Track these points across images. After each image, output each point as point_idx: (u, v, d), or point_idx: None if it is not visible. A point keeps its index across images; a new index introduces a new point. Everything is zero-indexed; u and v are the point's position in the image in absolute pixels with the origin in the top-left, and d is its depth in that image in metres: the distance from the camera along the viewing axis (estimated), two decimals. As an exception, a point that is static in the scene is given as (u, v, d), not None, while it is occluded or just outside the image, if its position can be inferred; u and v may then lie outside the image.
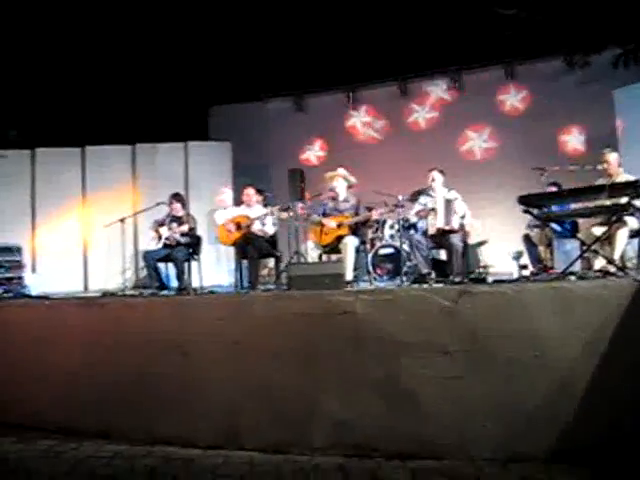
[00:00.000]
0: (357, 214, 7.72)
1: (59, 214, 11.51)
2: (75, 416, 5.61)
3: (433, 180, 7.69)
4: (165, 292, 7.76)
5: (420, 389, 4.60)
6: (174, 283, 8.53)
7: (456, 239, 7.17)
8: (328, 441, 4.75)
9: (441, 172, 7.76)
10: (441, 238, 7.31)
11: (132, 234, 10.56)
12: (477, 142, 12.10)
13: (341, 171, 8.06)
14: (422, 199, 7.77)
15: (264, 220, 8.13)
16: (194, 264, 8.49)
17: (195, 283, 8.48)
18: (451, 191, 7.67)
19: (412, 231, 8.11)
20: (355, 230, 7.65)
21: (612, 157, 6.81)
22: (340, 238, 7.51)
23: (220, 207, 10.27)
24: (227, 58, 12.47)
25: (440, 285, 5.73)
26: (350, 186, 8.04)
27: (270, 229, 8.19)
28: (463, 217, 7.48)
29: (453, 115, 12.23)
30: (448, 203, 7.40)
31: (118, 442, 5.25)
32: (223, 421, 5.09)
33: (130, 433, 5.31)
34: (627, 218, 5.98)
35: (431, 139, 12.09)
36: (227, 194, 11.89)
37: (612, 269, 5.54)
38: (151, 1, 11.67)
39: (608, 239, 6.03)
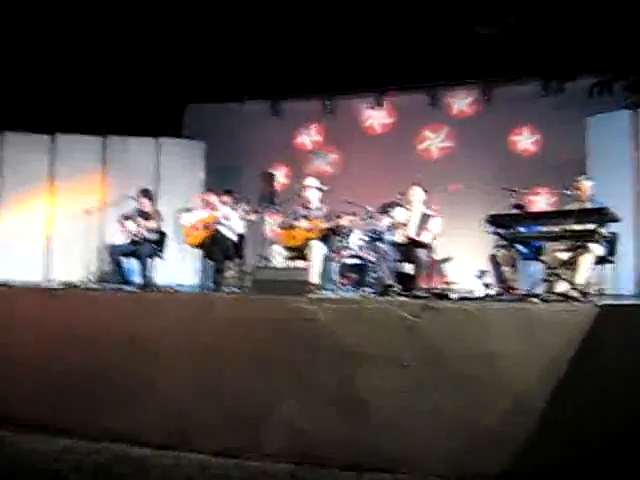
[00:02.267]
0: (327, 221, 7.71)
1: (24, 200, 11.34)
2: (25, 407, 5.52)
3: (413, 195, 7.66)
4: (128, 287, 7.70)
5: (376, 401, 4.60)
6: (138, 279, 8.44)
7: (423, 253, 7.19)
8: (280, 447, 4.72)
9: (424, 190, 7.74)
10: (407, 250, 7.32)
11: (98, 227, 10.42)
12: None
13: (312, 182, 8.03)
14: (395, 212, 7.75)
15: (230, 222, 8.06)
16: (159, 261, 8.41)
17: (159, 280, 8.40)
18: (428, 210, 7.69)
19: (379, 243, 8.13)
20: (324, 237, 7.63)
21: (586, 184, 6.87)
22: (307, 241, 7.49)
23: (192, 207, 10.22)
24: (207, 56, 12.38)
25: (404, 299, 5.74)
26: (322, 193, 8.02)
27: (239, 228, 8.13)
28: (435, 238, 7.50)
29: (425, 130, 12.32)
30: (424, 217, 7.43)
31: (67, 437, 5.17)
32: (175, 421, 5.05)
33: (81, 428, 5.24)
34: (592, 245, 6.04)
35: (404, 154, 12.14)
36: (198, 193, 11.83)
37: (574, 293, 5.59)
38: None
39: (572, 264, 6.08)
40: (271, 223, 8.31)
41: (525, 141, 11.67)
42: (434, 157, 12.27)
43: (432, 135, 12.36)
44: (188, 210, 8.91)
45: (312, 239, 7.51)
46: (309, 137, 13.16)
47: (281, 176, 9.27)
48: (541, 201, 10.97)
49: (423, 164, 12.03)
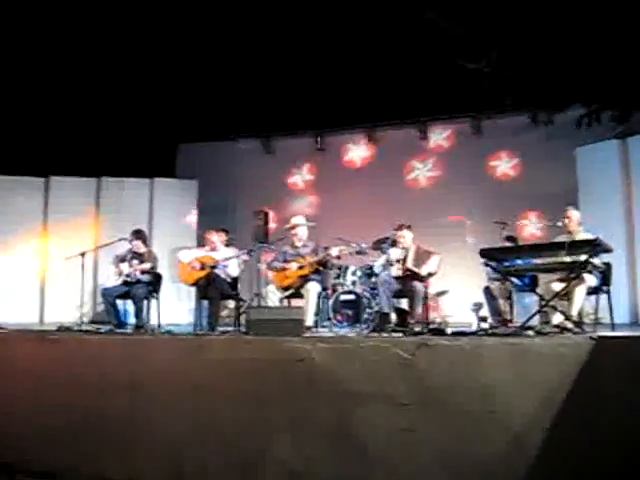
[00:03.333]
0: (316, 254, 7.72)
1: (17, 243, 11.34)
2: (20, 454, 5.47)
3: (403, 237, 7.71)
4: (122, 329, 7.68)
5: (372, 439, 4.57)
6: (132, 320, 8.41)
7: (419, 285, 7.21)
8: (277, 488, 4.69)
9: (408, 228, 7.79)
10: (404, 283, 7.34)
11: (92, 268, 10.40)
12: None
13: (300, 220, 8.05)
14: (390, 252, 7.76)
15: (228, 262, 8.06)
16: (154, 301, 8.39)
17: (154, 320, 8.37)
18: (421, 247, 7.72)
19: (374, 278, 8.14)
20: (317, 272, 7.63)
21: (574, 214, 6.91)
22: (302, 277, 7.49)
23: (184, 244, 10.22)
24: (198, 96, 12.49)
25: (399, 335, 5.74)
26: (310, 230, 8.05)
27: (234, 272, 8.13)
28: (433, 274, 7.53)
29: (416, 163, 12.44)
30: (418, 249, 7.47)
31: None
32: (172, 464, 5.01)
33: (76, 472, 5.19)
34: (585, 275, 6.05)
35: (397, 188, 12.21)
36: (191, 232, 11.85)
37: (569, 325, 5.59)
38: (125, 35, 11.69)
39: (566, 295, 6.09)
40: (265, 262, 8.31)
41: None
42: (427, 190, 12.30)
43: (420, 165, 12.46)
44: (186, 248, 8.93)
45: (305, 275, 7.50)
46: (301, 177, 13.21)
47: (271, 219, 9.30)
48: (530, 225, 11.09)
49: (413, 197, 12.09)
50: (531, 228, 11.07)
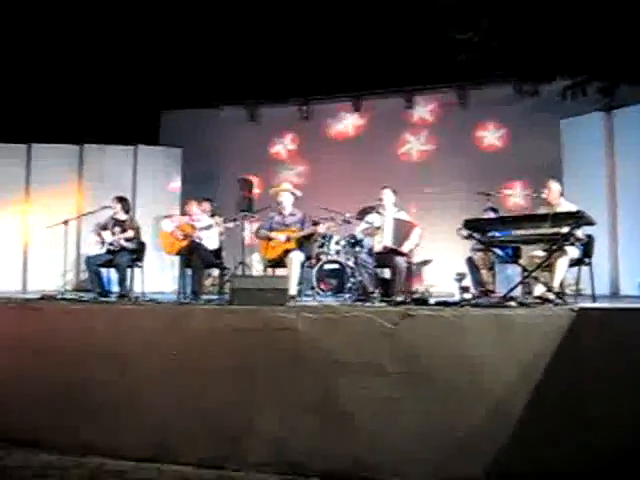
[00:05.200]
0: (303, 228, 7.71)
1: (0, 209, 11.25)
2: (4, 423, 5.47)
3: (381, 199, 7.70)
4: (106, 298, 7.67)
5: (357, 409, 4.62)
6: (116, 288, 8.39)
7: (401, 260, 7.21)
8: (263, 458, 4.73)
9: (393, 191, 7.78)
10: (386, 257, 7.34)
11: (75, 236, 10.33)
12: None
13: (286, 186, 8.04)
14: (370, 217, 7.78)
15: (209, 232, 8.02)
16: (137, 269, 8.37)
17: (137, 289, 8.36)
18: (400, 212, 7.71)
19: (358, 248, 8.16)
20: (301, 245, 7.64)
21: (555, 186, 6.94)
22: (287, 252, 7.48)
23: (167, 212, 10.17)
24: (182, 63, 12.36)
25: (383, 305, 5.77)
26: (296, 199, 8.02)
27: (213, 243, 8.06)
28: (416, 246, 7.53)
29: (403, 133, 12.43)
30: (397, 222, 7.43)
31: (49, 452, 5.14)
32: (157, 434, 5.04)
33: (62, 443, 5.21)
34: (567, 247, 6.08)
35: (382, 158, 12.18)
36: (175, 200, 11.81)
37: (551, 296, 5.65)
38: (108, 1, 11.53)
39: (548, 266, 6.13)
40: (250, 230, 8.29)
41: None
42: (413, 160, 12.31)
43: (411, 138, 12.42)
44: (168, 216, 8.88)
45: (290, 249, 7.50)
46: (284, 146, 13.15)
47: (255, 186, 9.26)
48: (515, 195, 11.16)
49: (399, 167, 12.08)
50: (516, 198, 11.17)
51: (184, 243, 7.89)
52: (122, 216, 8.37)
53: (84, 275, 10.00)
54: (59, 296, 7.17)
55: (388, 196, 7.70)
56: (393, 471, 4.49)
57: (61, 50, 11.82)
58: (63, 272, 9.48)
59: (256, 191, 9.73)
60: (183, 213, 9.18)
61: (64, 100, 12.05)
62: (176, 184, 12.01)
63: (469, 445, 4.42)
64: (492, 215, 7.72)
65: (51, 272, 10.41)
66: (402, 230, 7.39)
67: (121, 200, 8.50)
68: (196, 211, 8.30)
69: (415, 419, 4.52)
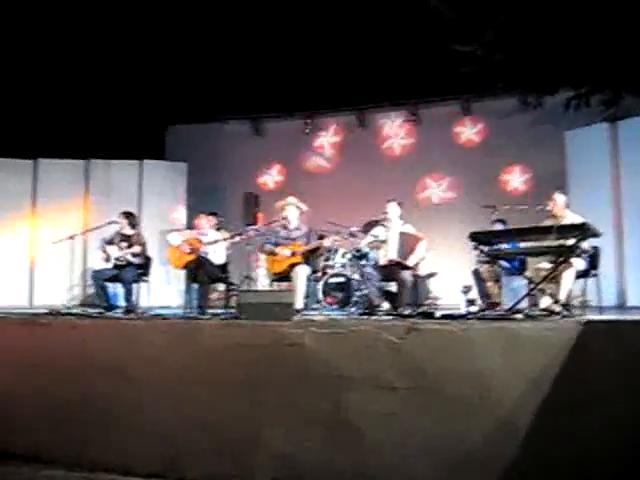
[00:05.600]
0: (309, 242, 7.72)
1: (6, 226, 11.30)
2: (11, 439, 5.47)
3: (386, 212, 7.69)
4: (112, 312, 7.68)
5: (364, 424, 4.61)
6: (122, 303, 8.39)
7: (407, 274, 7.20)
8: (270, 474, 4.72)
9: (398, 204, 7.78)
10: (391, 270, 7.33)
11: (81, 251, 10.34)
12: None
13: (292, 200, 8.05)
14: (375, 230, 7.78)
15: (215, 246, 8.02)
16: (143, 284, 8.38)
17: (143, 303, 8.37)
18: (406, 225, 7.71)
19: (363, 261, 8.16)
20: (307, 258, 7.64)
21: (559, 199, 6.93)
22: (292, 266, 7.49)
23: (173, 227, 10.20)
24: (187, 78, 12.43)
25: (389, 318, 5.77)
26: (301, 214, 8.04)
27: (220, 258, 8.06)
28: (422, 259, 7.53)
29: (408, 149, 12.47)
30: (402, 236, 7.43)
31: (55, 467, 5.13)
32: (163, 449, 5.03)
33: (68, 458, 5.20)
34: (573, 259, 6.08)
35: (388, 171, 12.22)
36: (180, 214, 11.85)
37: (557, 308, 5.64)
38: (112, 17, 11.61)
39: (555, 278, 6.12)
40: (254, 245, 8.30)
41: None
42: (419, 172, 12.35)
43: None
44: (175, 231, 8.90)
45: (296, 263, 7.50)
46: (290, 159, 13.21)
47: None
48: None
49: (404, 181, 12.09)
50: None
51: (191, 257, 7.90)
52: (129, 231, 8.39)
53: (90, 290, 9.99)
54: (65, 311, 7.18)
55: (393, 209, 7.70)
56: (401, 485, 4.48)
57: (67, 66, 11.91)
58: (69, 287, 9.50)
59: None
60: (190, 227, 9.20)
61: (70, 115, 12.13)
62: (182, 198, 12.03)
63: (477, 459, 4.39)
64: (500, 227, 7.73)
65: (57, 287, 10.42)
66: (407, 243, 7.39)
67: (128, 215, 8.53)
68: (205, 225, 8.31)
69: (422, 433, 4.50)
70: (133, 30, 11.73)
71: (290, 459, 4.70)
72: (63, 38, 11.65)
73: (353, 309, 7.81)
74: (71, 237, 8.11)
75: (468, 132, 12.11)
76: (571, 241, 5.64)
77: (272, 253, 7.66)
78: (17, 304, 10.33)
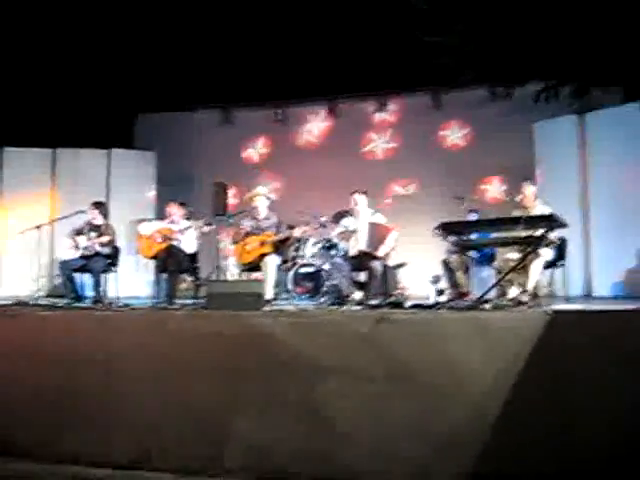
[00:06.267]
0: (279, 232, 7.71)
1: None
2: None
3: (356, 203, 7.70)
4: (80, 303, 7.60)
5: (338, 413, 4.62)
6: (90, 293, 8.31)
7: (377, 263, 7.22)
8: (244, 464, 4.71)
9: (364, 193, 7.78)
10: (361, 260, 7.34)
11: (49, 241, 10.21)
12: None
13: (261, 189, 8.02)
14: (345, 221, 7.79)
15: (186, 236, 7.98)
16: (111, 274, 8.31)
17: (112, 293, 8.30)
18: (376, 214, 7.73)
19: (333, 252, 8.16)
20: (277, 248, 7.64)
21: (529, 190, 6.99)
22: (262, 256, 7.48)
23: (144, 218, 10.11)
24: (156, 66, 12.30)
25: (359, 308, 5.79)
26: (271, 203, 8.02)
27: (191, 247, 8.03)
28: (392, 249, 7.54)
29: (376, 135, 12.49)
30: (372, 226, 7.45)
31: (26, 460, 5.06)
32: (135, 441, 4.99)
33: (41, 451, 5.13)
34: (541, 250, 6.15)
35: (357, 161, 12.26)
36: (150, 203, 11.76)
37: (525, 298, 5.70)
38: (81, 4, 11.45)
39: (523, 269, 6.19)
40: (225, 241, 8.26)
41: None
42: (388, 162, 12.37)
43: (377, 137, 12.60)
44: (144, 220, 8.82)
45: (266, 253, 7.49)
46: (258, 149, 13.15)
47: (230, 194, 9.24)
48: (492, 190, 11.47)
49: (373, 170, 12.15)
50: (494, 193, 11.44)
51: (161, 246, 7.85)
52: (99, 221, 8.29)
53: (57, 280, 9.90)
54: (32, 302, 7.09)
55: (360, 200, 7.70)
56: (376, 474, 4.49)
57: (34, 52, 11.72)
58: (36, 277, 9.37)
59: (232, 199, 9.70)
60: (159, 217, 9.13)
61: (37, 103, 11.94)
62: (151, 188, 11.94)
63: (451, 446, 4.43)
64: (475, 217, 7.78)
65: (24, 277, 10.29)
66: (377, 234, 7.39)
67: (99, 205, 8.43)
68: (175, 212, 8.26)
69: (395, 422, 4.52)
70: (102, 17, 11.59)
71: (264, 449, 4.69)
72: (29, 24, 11.47)
73: (323, 299, 7.80)
74: (38, 227, 7.99)
75: (439, 124, 12.16)
76: (539, 232, 5.70)
77: (243, 242, 7.62)
78: (-17, 295, 10.20)
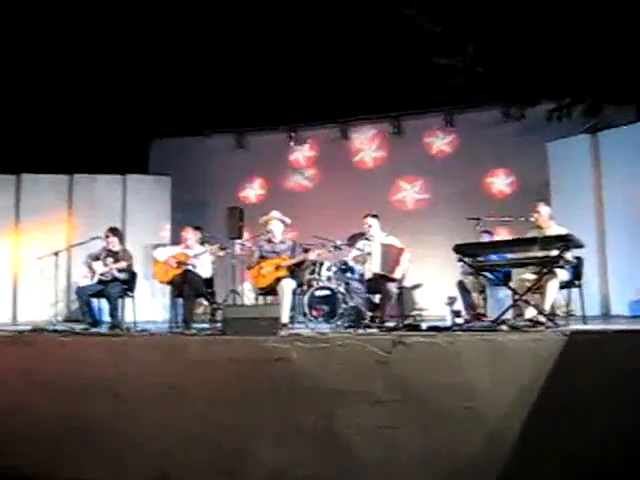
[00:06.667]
0: (294, 255, 7.74)
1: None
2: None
3: (370, 226, 7.73)
4: (97, 328, 7.64)
5: (353, 438, 4.62)
6: (107, 318, 8.35)
7: (392, 285, 7.24)
8: (260, 488, 4.71)
9: (374, 217, 7.81)
10: (377, 283, 7.36)
11: (65, 267, 10.28)
12: (410, 193, 12.41)
13: (275, 214, 8.05)
14: (360, 244, 7.80)
15: (201, 260, 8.01)
16: (128, 299, 8.34)
17: (128, 318, 8.33)
18: (389, 237, 7.75)
19: (349, 274, 8.17)
20: (292, 271, 7.65)
21: (544, 210, 6.99)
22: (278, 280, 7.49)
23: (160, 243, 10.17)
24: (170, 92, 12.41)
25: (375, 331, 5.78)
26: (286, 227, 8.06)
27: (206, 272, 8.05)
28: (406, 270, 7.56)
29: (390, 162, 12.58)
30: (385, 248, 7.46)
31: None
32: (154, 467, 5.00)
33: (56, 477, 5.15)
34: (557, 270, 6.12)
35: (371, 183, 12.28)
36: (165, 228, 11.82)
37: (542, 319, 5.68)
38: (95, 31, 11.60)
39: (539, 289, 6.17)
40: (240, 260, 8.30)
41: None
42: (394, 182, 12.40)
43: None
44: (161, 246, 8.87)
45: (281, 277, 7.51)
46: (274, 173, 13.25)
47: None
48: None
49: (385, 192, 12.17)
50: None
51: (178, 271, 7.88)
52: (116, 247, 8.34)
53: (74, 306, 9.95)
54: (50, 327, 7.13)
55: (372, 223, 7.74)
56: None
57: (50, 80, 11.86)
58: (54, 303, 9.44)
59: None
60: (175, 242, 9.18)
61: (53, 130, 12.09)
62: (166, 213, 12.00)
63: (466, 471, 4.41)
64: (487, 238, 7.77)
65: (41, 303, 10.38)
66: (390, 255, 7.42)
67: (115, 231, 8.48)
68: (191, 236, 8.31)
69: (412, 446, 4.51)
70: (116, 44, 11.72)
71: (280, 474, 4.69)
72: (45, 52, 11.62)
73: (339, 322, 7.80)
74: (55, 253, 8.04)
75: (448, 143, 12.19)
76: (555, 252, 5.69)
77: (258, 266, 7.64)
78: (0, 320, 10.25)
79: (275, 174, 13.16)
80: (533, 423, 4.34)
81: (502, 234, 9.52)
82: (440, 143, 12.23)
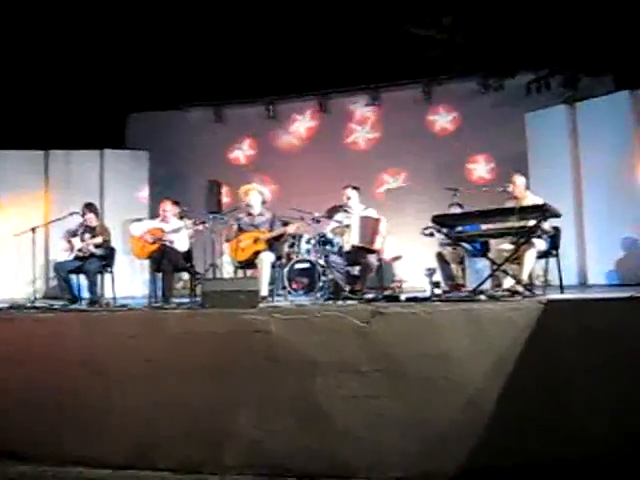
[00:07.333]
0: (272, 229, 7.72)
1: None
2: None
3: (348, 198, 7.73)
4: (76, 304, 7.61)
5: (334, 409, 4.65)
6: (86, 294, 8.30)
7: (372, 258, 7.25)
8: (241, 461, 4.74)
9: (355, 189, 7.82)
10: (356, 255, 7.37)
11: (43, 243, 10.20)
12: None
13: (255, 185, 8.03)
14: (338, 216, 7.80)
15: (178, 235, 7.97)
16: (107, 275, 8.31)
17: (108, 294, 8.30)
18: (368, 209, 7.75)
19: (328, 247, 8.17)
20: (271, 245, 7.64)
21: (519, 180, 7.05)
22: (256, 253, 7.48)
23: (135, 216, 10.10)
24: (146, 65, 12.27)
25: (354, 302, 5.79)
26: (264, 201, 8.03)
27: (183, 246, 8.03)
28: (384, 240, 7.56)
29: (371, 136, 12.53)
30: (364, 220, 7.46)
31: (25, 463, 5.07)
32: (134, 440, 5.01)
33: (37, 453, 5.14)
34: (535, 240, 6.17)
35: (350, 157, 12.26)
36: (143, 203, 11.74)
37: (520, 288, 5.72)
38: (71, 4, 11.41)
39: (517, 259, 6.21)
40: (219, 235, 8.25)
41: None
42: (380, 156, 12.36)
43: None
44: (137, 220, 8.82)
45: (260, 251, 7.49)
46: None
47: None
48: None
49: (366, 163, 12.15)
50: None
51: (154, 247, 7.84)
52: (93, 222, 8.29)
53: (53, 282, 9.88)
54: (29, 304, 7.09)
55: (352, 195, 7.75)
56: (371, 470, 4.51)
57: (23, 54, 11.68)
58: (32, 280, 9.36)
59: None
60: (153, 216, 9.12)
61: (28, 105, 11.90)
62: (144, 188, 11.92)
63: (447, 439, 4.46)
64: (458, 210, 7.79)
65: (19, 280, 10.31)
66: (369, 227, 7.42)
67: (91, 207, 8.43)
68: (169, 209, 8.26)
69: (391, 416, 4.55)
70: (93, 17, 11.56)
71: (260, 446, 4.72)
72: (19, 26, 11.44)
73: (319, 294, 7.80)
74: (32, 229, 7.97)
75: (431, 117, 12.18)
76: (532, 222, 5.73)
77: (237, 239, 7.61)
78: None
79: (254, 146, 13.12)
80: (509, 391, 4.39)
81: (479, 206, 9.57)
82: (419, 115, 12.19)
